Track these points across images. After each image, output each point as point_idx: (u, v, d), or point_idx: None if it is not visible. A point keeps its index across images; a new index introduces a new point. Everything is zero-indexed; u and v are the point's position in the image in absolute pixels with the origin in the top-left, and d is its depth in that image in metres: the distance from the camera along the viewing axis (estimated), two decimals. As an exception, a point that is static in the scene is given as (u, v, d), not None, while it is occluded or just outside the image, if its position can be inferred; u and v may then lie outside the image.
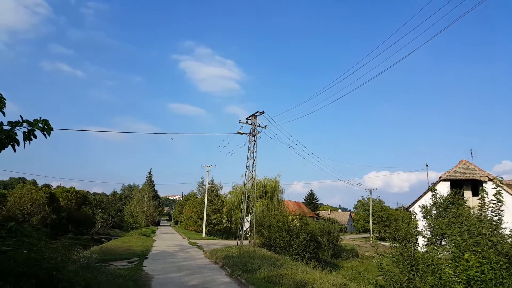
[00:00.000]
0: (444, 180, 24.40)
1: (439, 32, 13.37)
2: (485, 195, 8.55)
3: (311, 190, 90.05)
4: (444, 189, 23.39)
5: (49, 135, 3.89)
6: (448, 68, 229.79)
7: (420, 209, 21.32)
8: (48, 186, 63.29)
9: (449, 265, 7.64)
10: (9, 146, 4.05)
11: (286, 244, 21.36)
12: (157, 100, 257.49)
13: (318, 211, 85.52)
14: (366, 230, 72.48)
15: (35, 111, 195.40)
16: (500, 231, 8.82)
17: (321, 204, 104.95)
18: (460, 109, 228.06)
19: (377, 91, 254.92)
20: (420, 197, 25.28)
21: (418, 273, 7.78)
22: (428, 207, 20.73)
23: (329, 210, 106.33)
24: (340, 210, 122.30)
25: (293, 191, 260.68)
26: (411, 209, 25.65)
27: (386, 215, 65.37)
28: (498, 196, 7.81)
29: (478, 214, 8.55)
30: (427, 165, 36.62)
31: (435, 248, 8.49)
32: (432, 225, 17.39)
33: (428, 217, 20.74)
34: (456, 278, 7.41)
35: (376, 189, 60.62)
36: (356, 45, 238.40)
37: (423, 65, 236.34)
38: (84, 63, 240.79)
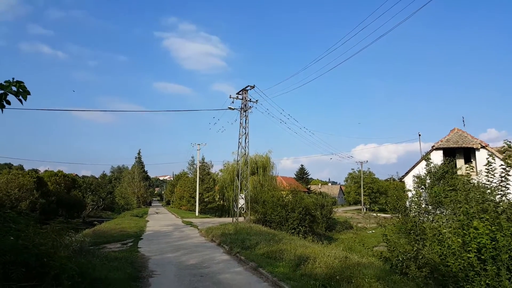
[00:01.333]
0: (437, 149, 24.38)
1: (427, 2, 12.70)
2: (492, 160, 8.29)
3: (302, 165, 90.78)
4: (437, 158, 23.40)
5: (25, 100, 3.31)
6: (437, 37, 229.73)
7: (414, 179, 21.28)
8: (35, 170, 62.09)
9: (457, 234, 7.45)
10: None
11: (282, 219, 21.28)
12: (142, 79, 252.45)
13: (309, 186, 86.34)
14: (357, 203, 73.66)
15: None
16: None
17: (311, 178, 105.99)
18: (447, 78, 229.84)
19: (365, 62, 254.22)
20: (413, 167, 25.32)
21: (426, 243, 7.58)
22: (422, 177, 20.70)
23: (320, 184, 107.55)
24: (330, 184, 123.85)
25: (283, 167, 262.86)
26: (404, 180, 25.75)
27: (376, 186, 66.32)
28: (508, 161, 7.50)
29: (485, 180, 8.28)
30: (419, 135, 36.72)
31: (441, 216, 8.23)
32: (429, 194, 17.33)
33: (423, 186, 20.74)
34: (466, 247, 7.22)
35: (367, 161, 61.24)
36: (344, 17, 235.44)
37: (411, 34, 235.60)
38: (65, 43, 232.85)
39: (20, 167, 73.93)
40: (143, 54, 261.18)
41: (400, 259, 7.44)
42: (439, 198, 17.83)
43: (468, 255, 6.88)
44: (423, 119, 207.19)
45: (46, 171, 50.90)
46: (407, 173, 25.72)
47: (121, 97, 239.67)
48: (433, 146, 24.86)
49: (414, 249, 7.26)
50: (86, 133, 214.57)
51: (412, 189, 19.02)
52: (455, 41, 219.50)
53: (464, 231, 7.42)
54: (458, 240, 7.28)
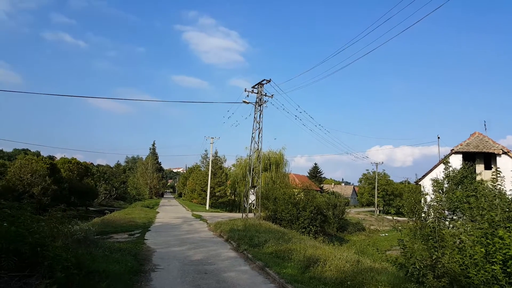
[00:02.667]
0: (456, 152, 23.43)
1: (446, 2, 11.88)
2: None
3: (315, 164, 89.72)
4: (456, 162, 22.45)
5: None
6: (459, 38, 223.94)
7: (431, 182, 20.49)
8: (51, 157, 63.14)
9: (480, 243, 6.87)
10: None
11: (293, 217, 20.81)
12: (160, 72, 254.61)
13: (322, 185, 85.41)
14: (370, 204, 72.42)
15: (38, 81, 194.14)
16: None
17: (324, 178, 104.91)
18: (468, 82, 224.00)
19: (383, 61, 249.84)
20: (431, 170, 24.43)
21: (446, 251, 7.02)
22: (440, 181, 19.91)
23: (333, 183, 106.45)
24: (343, 184, 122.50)
25: (296, 165, 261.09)
26: (421, 183, 24.91)
27: (391, 189, 64.88)
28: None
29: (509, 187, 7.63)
30: (438, 137, 35.53)
31: (463, 223, 7.63)
32: (448, 198, 16.59)
33: (440, 190, 19.95)
34: (489, 257, 6.65)
35: (382, 162, 59.48)
36: (363, 13, 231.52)
37: (430, 34, 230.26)
38: (87, 33, 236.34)
39: (37, 154, 75.44)
40: (162, 46, 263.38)
41: (417, 267, 6.89)
42: (460, 203, 17.08)
43: (493, 267, 6.32)
44: (441, 122, 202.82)
45: (61, 158, 51.61)
46: (424, 176, 24.85)
47: (139, 88, 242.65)
48: (452, 149, 23.91)
49: (434, 258, 6.69)
50: (104, 123, 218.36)
51: (431, 193, 18.35)
52: (475, 43, 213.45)
53: (488, 241, 6.85)
54: (481, 250, 6.72)
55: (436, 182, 19.93)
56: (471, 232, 7.12)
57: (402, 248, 8.05)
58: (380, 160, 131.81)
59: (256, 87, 22.67)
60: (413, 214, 9.90)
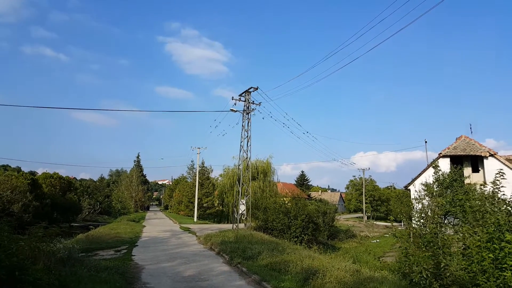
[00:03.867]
0: (444, 156, 23.60)
1: (435, 5, 11.94)
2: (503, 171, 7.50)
3: (302, 172, 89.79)
4: (444, 166, 22.58)
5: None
6: (440, 41, 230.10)
7: (421, 186, 20.46)
8: (33, 173, 61.05)
9: (487, 248, 6.63)
10: None
11: (284, 226, 20.39)
12: (144, 84, 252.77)
13: (309, 192, 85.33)
14: (357, 210, 72.53)
15: (19, 96, 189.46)
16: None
17: (311, 185, 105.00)
18: (448, 85, 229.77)
19: (364, 65, 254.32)
20: (420, 174, 24.52)
21: (454, 258, 6.76)
22: (430, 185, 19.89)
23: (320, 191, 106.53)
24: (329, 191, 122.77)
25: (283, 173, 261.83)
26: (410, 187, 24.92)
27: (378, 194, 65.24)
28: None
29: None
30: (426, 142, 35.87)
31: (468, 227, 7.39)
32: (444, 202, 16.49)
33: (430, 194, 19.90)
34: (497, 263, 6.41)
35: (369, 168, 59.62)
36: (349, 23, 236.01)
37: (414, 37, 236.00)
38: (68, 46, 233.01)
39: (18, 169, 73.00)
40: (146, 58, 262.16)
41: (424, 275, 6.57)
42: (452, 207, 16.99)
43: (504, 273, 6.07)
44: (425, 127, 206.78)
45: (42, 173, 49.94)
46: (413, 180, 24.90)
47: (124, 100, 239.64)
48: (440, 153, 24.06)
49: (442, 265, 6.39)
50: (87, 136, 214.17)
51: (422, 198, 18.27)
52: (457, 44, 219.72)
53: (495, 245, 6.62)
54: (489, 255, 6.47)
55: (426, 186, 19.89)
56: (478, 237, 6.86)
57: (404, 256, 7.76)
58: (365, 166, 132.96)
59: (243, 95, 22.38)
60: (410, 219, 9.69)
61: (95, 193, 69.48)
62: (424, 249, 8.24)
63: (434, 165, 20.76)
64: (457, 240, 7.32)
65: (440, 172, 19.58)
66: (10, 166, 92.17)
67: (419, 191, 19.80)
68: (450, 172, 20.11)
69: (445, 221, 16.51)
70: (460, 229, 7.95)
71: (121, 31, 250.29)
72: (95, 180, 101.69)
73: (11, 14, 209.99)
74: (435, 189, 19.84)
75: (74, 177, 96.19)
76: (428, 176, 21.48)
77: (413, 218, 16.42)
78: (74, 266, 9.35)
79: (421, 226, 9.59)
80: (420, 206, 11.52)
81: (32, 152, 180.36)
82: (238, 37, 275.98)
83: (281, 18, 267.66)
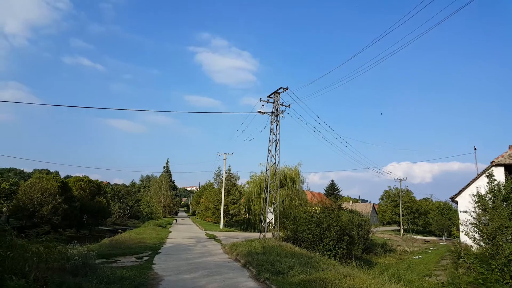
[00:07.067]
0: (497, 165, 21.15)
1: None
2: None
3: (332, 181, 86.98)
4: (497, 176, 20.21)
5: None
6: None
7: (472, 198, 18.26)
8: (68, 177, 62.44)
9: None
10: None
11: (316, 238, 18.81)
12: (174, 92, 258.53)
13: (339, 202, 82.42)
14: (392, 223, 68.90)
15: (57, 103, 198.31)
16: None
17: (341, 195, 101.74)
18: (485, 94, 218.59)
19: (395, 70, 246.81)
20: (468, 184, 22.18)
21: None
22: (484, 196, 17.69)
23: (351, 201, 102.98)
24: (359, 202, 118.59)
25: (311, 182, 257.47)
26: (457, 199, 22.64)
27: (415, 206, 61.42)
28: None
29: None
30: (475, 149, 32.72)
31: None
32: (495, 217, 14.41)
33: (482, 207, 17.71)
34: None
35: (406, 178, 55.65)
36: (376, 31, 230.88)
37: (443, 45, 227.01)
38: (104, 57, 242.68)
39: (56, 174, 75.21)
40: (176, 68, 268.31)
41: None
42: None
43: None
44: (461, 137, 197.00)
45: (73, 177, 50.80)
46: (460, 191, 22.59)
47: (154, 108, 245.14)
48: (493, 161, 21.67)
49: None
50: (120, 142, 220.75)
51: (477, 211, 16.23)
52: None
53: None
54: None
55: (479, 198, 17.73)
56: None
57: (483, 283, 6.14)
58: (398, 176, 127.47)
59: (272, 96, 21.15)
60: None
61: (126, 198, 70.34)
62: (498, 273, 6.60)
63: (487, 174, 18.57)
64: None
65: (495, 182, 17.39)
66: (49, 170, 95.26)
67: (467, 203, 17.74)
68: (507, 182, 17.81)
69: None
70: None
71: (154, 42, 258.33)
72: (127, 185, 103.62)
73: (53, 27, 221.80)
74: (489, 202, 17.62)
75: (108, 182, 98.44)
76: (479, 187, 19.24)
77: (469, 234, 14.51)
78: (87, 275, 8.43)
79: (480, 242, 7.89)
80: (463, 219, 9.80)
81: (69, 158, 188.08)
82: (266, 46, 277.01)
83: (308, 27, 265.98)
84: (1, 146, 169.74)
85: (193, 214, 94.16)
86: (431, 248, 34.82)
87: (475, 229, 14.12)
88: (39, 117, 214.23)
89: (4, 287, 4.04)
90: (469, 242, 15.96)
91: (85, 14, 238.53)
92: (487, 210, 15.83)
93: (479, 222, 15.06)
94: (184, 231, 32.42)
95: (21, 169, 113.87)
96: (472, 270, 9.31)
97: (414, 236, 45.10)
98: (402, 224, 54.86)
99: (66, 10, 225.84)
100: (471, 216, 16.70)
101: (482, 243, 12.40)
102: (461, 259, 7.63)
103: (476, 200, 17.53)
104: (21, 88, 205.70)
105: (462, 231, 14.81)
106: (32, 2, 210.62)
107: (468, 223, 15.77)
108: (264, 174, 23.29)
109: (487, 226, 9.21)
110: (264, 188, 23.12)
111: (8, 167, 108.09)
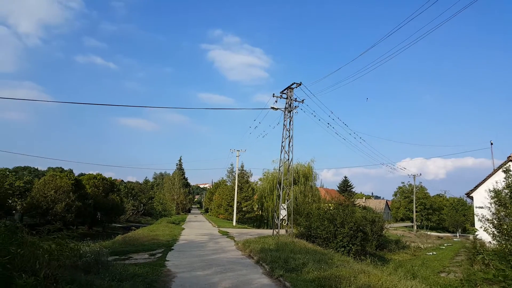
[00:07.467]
0: (515, 159, 20.66)
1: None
2: None
3: (345, 177, 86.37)
4: (514, 171, 19.67)
5: None
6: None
7: (489, 193, 17.80)
8: (82, 175, 63.42)
9: None
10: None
11: (329, 234, 18.65)
12: (187, 90, 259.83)
13: (353, 199, 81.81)
14: (405, 219, 68.05)
15: (70, 103, 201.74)
16: None
17: (354, 192, 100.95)
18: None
19: (411, 67, 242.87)
20: (485, 180, 21.69)
21: None
22: (502, 191, 17.21)
23: (364, 197, 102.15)
24: (373, 198, 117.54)
25: (324, 179, 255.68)
26: (473, 195, 22.15)
27: (429, 202, 60.47)
28: None
29: None
30: (491, 143, 31.52)
31: None
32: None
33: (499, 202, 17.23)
34: None
35: (420, 174, 54.61)
36: (389, 27, 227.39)
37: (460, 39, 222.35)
38: (117, 55, 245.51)
39: (69, 171, 76.48)
40: (189, 65, 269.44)
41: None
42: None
43: None
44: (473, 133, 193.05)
45: (87, 174, 51.55)
46: (476, 186, 22.11)
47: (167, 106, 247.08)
48: (510, 156, 21.13)
49: None
50: (134, 140, 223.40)
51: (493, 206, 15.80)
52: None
53: None
54: None
55: (496, 193, 17.26)
56: None
57: (502, 279, 5.93)
58: (412, 172, 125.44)
59: (285, 91, 20.96)
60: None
61: (139, 195, 71.09)
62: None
63: (504, 168, 18.07)
64: None
65: (514, 176, 16.87)
66: (63, 169, 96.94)
67: (483, 199, 17.29)
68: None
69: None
70: None
71: (166, 40, 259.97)
72: (140, 182, 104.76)
73: (65, 26, 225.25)
74: (506, 197, 17.14)
75: (122, 179, 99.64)
76: (495, 182, 18.73)
77: (487, 230, 14.11)
78: (99, 272, 8.45)
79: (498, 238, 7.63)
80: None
81: (84, 156, 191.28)
82: (279, 43, 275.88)
83: (321, 24, 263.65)
84: (16, 145, 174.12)
85: (206, 211, 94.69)
86: (445, 245, 34.23)
87: (493, 225, 13.76)
88: (54, 116, 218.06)
89: (13, 285, 4.02)
90: (486, 238, 15.58)
91: (97, 12, 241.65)
92: (507, 205, 15.39)
93: (498, 218, 14.65)
94: (197, 228, 32.55)
95: (36, 167, 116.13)
96: (491, 267, 9.04)
97: (428, 233, 44.35)
98: (415, 221, 54.09)
99: (78, 9, 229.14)
100: (490, 211, 16.29)
101: (501, 240, 12.07)
102: (480, 256, 7.37)
103: (493, 195, 17.09)
104: (35, 88, 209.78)
105: (481, 227, 14.44)
106: (45, 1, 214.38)
107: (484, 219, 15.40)
108: (277, 171, 23.19)
109: (506, 222, 8.89)
110: (277, 185, 22.99)
111: (22, 166, 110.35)
